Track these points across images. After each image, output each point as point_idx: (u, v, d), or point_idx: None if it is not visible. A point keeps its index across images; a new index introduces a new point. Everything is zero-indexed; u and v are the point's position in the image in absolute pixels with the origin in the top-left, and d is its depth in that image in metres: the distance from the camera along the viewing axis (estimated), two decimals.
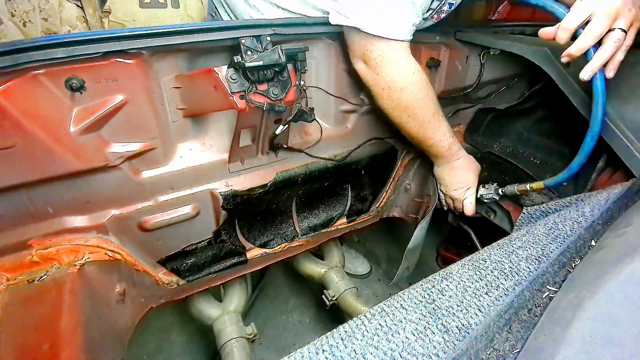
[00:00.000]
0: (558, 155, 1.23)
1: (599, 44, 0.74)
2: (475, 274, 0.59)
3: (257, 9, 0.97)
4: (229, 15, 1.07)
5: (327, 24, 0.85)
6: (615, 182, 0.87)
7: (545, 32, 0.77)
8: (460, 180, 1.07)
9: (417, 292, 0.57)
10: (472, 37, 1.15)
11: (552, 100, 1.19)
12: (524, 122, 1.33)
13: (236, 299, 1.23)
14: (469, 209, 1.09)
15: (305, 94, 0.87)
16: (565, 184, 0.95)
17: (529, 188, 0.99)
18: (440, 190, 1.15)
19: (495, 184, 1.08)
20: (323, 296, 1.32)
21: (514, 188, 1.02)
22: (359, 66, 0.89)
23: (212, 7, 1.13)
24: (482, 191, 1.10)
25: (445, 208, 1.19)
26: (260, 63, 0.74)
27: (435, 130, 0.97)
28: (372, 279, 1.75)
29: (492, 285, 0.57)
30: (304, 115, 0.89)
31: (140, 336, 1.43)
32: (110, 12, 1.34)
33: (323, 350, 0.49)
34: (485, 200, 1.10)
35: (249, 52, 0.74)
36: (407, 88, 0.87)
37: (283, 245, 1.14)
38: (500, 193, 1.06)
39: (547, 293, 0.57)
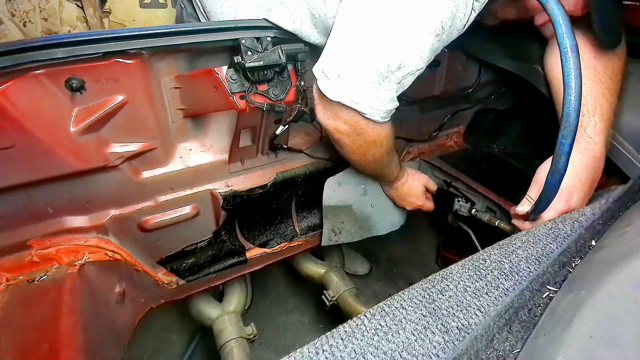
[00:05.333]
0: None
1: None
2: (475, 274, 0.59)
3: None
4: (202, 12, 0.97)
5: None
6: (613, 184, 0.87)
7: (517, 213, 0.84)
8: (408, 194, 1.15)
9: (417, 292, 0.57)
10: (466, 47, 1.15)
11: (552, 100, 1.19)
12: (524, 123, 1.33)
13: (236, 299, 1.23)
14: (429, 206, 1.18)
15: (305, 95, 0.87)
16: None
17: (497, 224, 1.05)
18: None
19: (469, 203, 1.18)
20: (323, 296, 1.32)
21: (485, 217, 1.10)
22: (338, 124, 0.79)
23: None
24: (456, 206, 1.19)
25: None
26: (261, 63, 0.74)
27: (388, 166, 1.00)
28: (372, 279, 1.75)
29: (492, 285, 0.57)
30: (304, 116, 0.89)
31: (140, 336, 1.42)
32: (110, 12, 1.35)
33: (323, 350, 0.49)
34: (460, 213, 1.19)
35: (249, 53, 0.74)
36: (383, 143, 0.85)
37: (283, 244, 1.14)
38: (472, 214, 1.15)
39: (547, 293, 0.57)
